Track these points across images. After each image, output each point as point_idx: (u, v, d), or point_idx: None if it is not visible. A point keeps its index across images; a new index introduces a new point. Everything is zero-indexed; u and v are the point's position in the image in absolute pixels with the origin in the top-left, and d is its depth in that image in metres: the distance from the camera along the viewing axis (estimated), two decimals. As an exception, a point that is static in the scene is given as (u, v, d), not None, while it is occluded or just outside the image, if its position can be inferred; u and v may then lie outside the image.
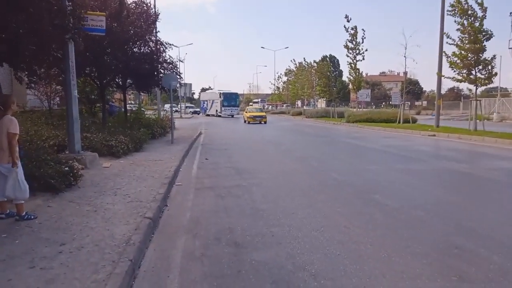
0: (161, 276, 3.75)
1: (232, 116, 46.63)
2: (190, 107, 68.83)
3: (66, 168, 6.78)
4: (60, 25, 7.00)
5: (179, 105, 52.59)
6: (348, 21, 30.17)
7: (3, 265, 3.71)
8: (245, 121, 34.63)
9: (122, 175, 8.08)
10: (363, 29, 30.53)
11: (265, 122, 33.19)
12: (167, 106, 69.42)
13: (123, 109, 17.94)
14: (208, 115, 51.67)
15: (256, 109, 38.55)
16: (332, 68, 45.63)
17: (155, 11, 15.93)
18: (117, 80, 16.05)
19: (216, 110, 48.75)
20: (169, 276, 3.73)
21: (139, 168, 8.99)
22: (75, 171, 7.03)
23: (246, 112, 36.06)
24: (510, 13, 57.79)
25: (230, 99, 48.04)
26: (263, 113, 36.23)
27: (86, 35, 9.26)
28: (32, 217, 5.06)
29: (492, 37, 17.90)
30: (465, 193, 7.26)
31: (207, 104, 54.30)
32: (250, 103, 69.43)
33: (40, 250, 4.06)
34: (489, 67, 18.04)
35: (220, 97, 47.73)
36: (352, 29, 30.37)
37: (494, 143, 15.02)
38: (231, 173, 9.06)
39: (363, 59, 31.09)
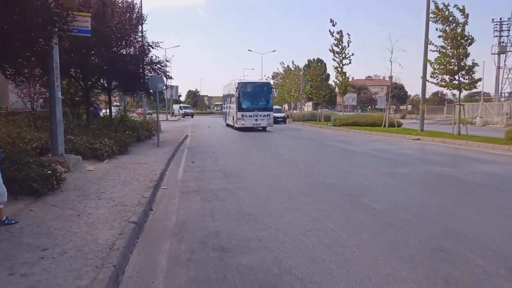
0: (146, 281, 3.68)
1: (264, 128, 26.45)
2: (186, 107, 66.96)
3: (49, 171, 6.63)
4: (46, 20, 6.86)
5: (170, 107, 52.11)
6: (333, 25, 30.36)
7: (-19, 271, 3.60)
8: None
9: (107, 179, 7.95)
10: (348, 34, 30.78)
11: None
12: (176, 107, 68.98)
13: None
14: (228, 125, 31.16)
15: None
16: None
17: (141, 12, 15.80)
18: (102, 81, 15.85)
19: (233, 118, 27.57)
20: (154, 282, 3.67)
21: (124, 172, 8.86)
22: (58, 174, 6.88)
23: None
24: (493, 19, 58.99)
25: (254, 96, 26.13)
26: None
27: (70, 36, 9.13)
28: (13, 221, 4.93)
29: (473, 42, 18.23)
30: (450, 196, 7.35)
31: (227, 105, 32.78)
32: None
33: (20, 255, 3.95)
34: (472, 73, 18.36)
35: (236, 91, 25.74)
36: (337, 33, 30.58)
37: (477, 147, 15.27)
38: (218, 176, 9.01)
39: (350, 63, 31.33)
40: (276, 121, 33.38)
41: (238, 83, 26.15)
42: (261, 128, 26.42)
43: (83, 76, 14.09)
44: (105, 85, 16.37)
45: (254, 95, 26.16)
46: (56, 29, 7.46)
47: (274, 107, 34.29)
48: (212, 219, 5.61)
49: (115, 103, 40.06)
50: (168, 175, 9.32)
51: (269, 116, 25.97)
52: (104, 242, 4.36)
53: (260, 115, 25.69)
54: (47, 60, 8.44)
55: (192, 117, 59.59)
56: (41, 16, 6.60)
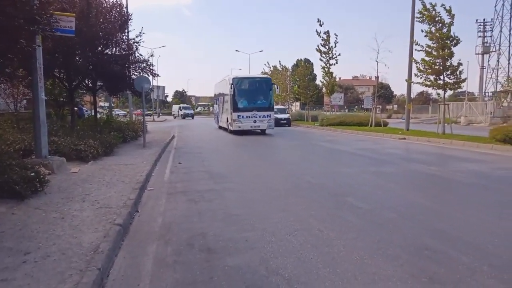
0: (131, 284, 3.64)
1: (263, 130, 23.35)
2: (185, 108, 62.49)
3: (32, 174, 6.51)
4: (27, 19, 6.73)
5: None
6: (320, 25, 30.51)
7: (-39, 277, 3.51)
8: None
9: (91, 181, 7.85)
10: (335, 34, 30.94)
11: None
12: (175, 107, 65.13)
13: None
14: (221, 127, 27.82)
15: None
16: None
17: (127, 11, 15.63)
18: (86, 82, 15.64)
19: (227, 119, 24.14)
20: (139, 285, 3.62)
21: (109, 173, 8.76)
22: (42, 176, 6.76)
23: None
24: (476, 20, 60.00)
25: (252, 93, 22.84)
26: None
27: (54, 36, 8.99)
28: (-6, 225, 4.83)
29: (459, 43, 18.50)
30: (435, 195, 7.43)
31: (219, 105, 28.90)
32: None
33: (1, 260, 3.86)
34: (457, 73, 18.64)
35: (230, 89, 22.25)
36: (324, 33, 30.73)
37: (461, 146, 15.50)
38: (205, 177, 8.97)
39: (336, 63, 31.52)
40: (279, 123, 30.25)
41: (233, 78, 22.59)
42: (259, 131, 23.40)
43: (67, 77, 13.89)
44: (90, 85, 16.16)
45: (251, 93, 22.80)
46: (39, 29, 7.33)
47: (276, 106, 31.46)
48: (199, 220, 5.58)
49: (101, 104, 39.66)
50: (155, 177, 9.24)
51: (270, 117, 22.67)
52: (88, 245, 4.29)
53: (259, 116, 22.30)
54: (30, 60, 8.29)
55: (193, 118, 56.51)
56: (22, 15, 6.48)
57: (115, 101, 43.62)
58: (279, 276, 3.72)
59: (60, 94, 16.96)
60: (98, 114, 18.05)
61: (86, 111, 21.39)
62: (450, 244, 4.53)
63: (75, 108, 16.41)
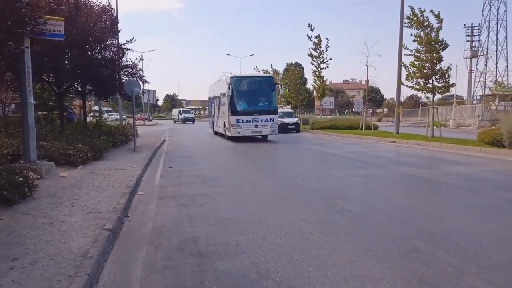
0: (121, 290, 3.61)
1: (264, 137, 21.21)
2: (185, 112, 58.24)
3: (20, 179, 6.43)
4: (15, 22, 6.68)
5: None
6: (311, 29, 30.67)
7: None
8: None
9: (80, 185, 7.77)
10: (327, 38, 31.09)
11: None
12: (175, 111, 60.55)
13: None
14: (217, 133, 25.23)
15: None
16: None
17: (116, 15, 15.57)
18: (76, 86, 15.53)
19: (224, 124, 21.83)
20: (129, 290, 3.60)
21: (98, 178, 8.68)
22: (30, 181, 6.68)
23: None
24: (464, 25, 60.82)
25: (253, 95, 20.48)
26: None
27: (43, 39, 8.93)
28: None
29: (447, 47, 18.75)
30: (424, 197, 7.50)
31: (215, 109, 26.15)
32: None
33: (-12, 266, 3.81)
34: (446, 76, 18.87)
35: (228, 89, 19.89)
36: (315, 37, 30.89)
37: (450, 149, 15.67)
38: (195, 181, 8.94)
39: (327, 67, 31.67)
40: (286, 128, 27.16)
41: (231, 78, 20.11)
42: (260, 137, 21.14)
43: (56, 81, 13.79)
44: (79, 89, 16.05)
45: (252, 94, 20.37)
46: (27, 32, 7.27)
47: (282, 109, 29.49)
48: (190, 225, 5.56)
49: (96, 107, 39.27)
50: (145, 181, 9.19)
51: (273, 121, 20.14)
52: (77, 250, 4.25)
53: (262, 120, 19.76)
54: (18, 64, 8.22)
55: (193, 122, 53.04)
56: (10, 18, 6.43)
57: (105, 105, 42.92)
58: (270, 280, 3.72)
59: (49, 98, 16.82)
60: (93, 118, 17.94)
61: (78, 115, 21.14)
62: (439, 246, 4.57)
63: (65, 112, 16.26)
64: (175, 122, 57.31)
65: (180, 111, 59.75)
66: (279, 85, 20.80)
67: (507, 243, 4.66)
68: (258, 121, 19.71)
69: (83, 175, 9.01)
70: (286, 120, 28.17)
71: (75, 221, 5.35)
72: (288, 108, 37.78)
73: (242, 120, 19.67)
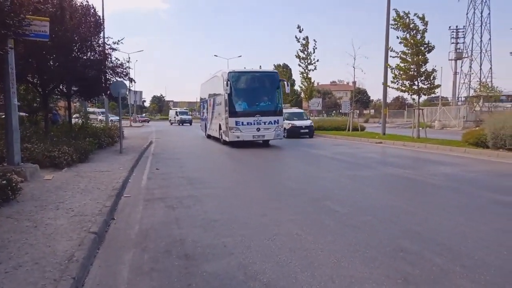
0: (106, 293, 3.57)
1: (266, 142, 18.78)
2: (182, 113, 54.98)
3: (4, 181, 6.31)
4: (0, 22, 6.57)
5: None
6: (300, 31, 30.82)
7: None
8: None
9: (66, 188, 7.67)
10: (314, 40, 31.26)
11: None
12: (172, 112, 56.95)
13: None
14: (210, 136, 22.78)
15: None
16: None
17: (102, 15, 15.42)
18: (61, 87, 15.32)
19: (219, 126, 19.35)
20: (115, 293, 3.56)
21: (84, 180, 8.58)
22: (14, 184, 6.57)
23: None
24: (449, 27, 61.79)
25: (254, 93, 17.99)
26: None
27: (28, 40, 8.79)
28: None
29: (433, 49, 19.03)
30: (410, 198, 7.58)
31: (208, 109, 23.40)
32: None
33: (-30, 271, 3.73)
34: (431, 78, 19.15)
35: (226, 87, 17.15)
36: (303, 39, 31.04)
37: (435, 150, 15.89)
38: (183, 183, 8.89)
39: (315, 69, 31.85)
40: (298, 132, 23.15)
41: (229, 73, 17.41)
42: (261, 142, 18.65)
43: (41, 82, 13.59)
44: (65, 91, 15.84)
45: (254, 92, 17.84)
46: (11, 33, 7.16)
47: (292, 109, 26.59)
48: (177, 227, 5.53)
49: (89, 109, 38.62)
50: (132, 183, 9.11)
51: (277, 123, 17.65)
52: (62, 253, 4.19)
53: (265, 123, 17.29)
54: (1, 65, 8.08)
55: (191, 124, 49.51)
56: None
57: (91, 106, 42.19)
58: (258, 281, 3.72)
59: (34, 99, 16.57)
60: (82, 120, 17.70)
61: (63, 117, 20.83)
62: (425, 245, 4.63)
63: (49, 114, 16.04)
64: (171, 123, 54.49)
65: (177, 112, 56.26)
66: (285, 82, 18.64)
67: (491, 243, 4.74)
68: (260, 124, 17.25)
69: (68, 177, 8.89)
70: (298, 123, 23.75)
71: (60, 224, 5.27)
72: (296, 108, 33.19)
73: (242, 123, 17.12)
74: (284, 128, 21.32)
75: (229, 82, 16.95)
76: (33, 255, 4.16)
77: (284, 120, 20.58)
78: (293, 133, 22.57)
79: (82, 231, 4.93)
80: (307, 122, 24.45)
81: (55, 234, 4.86)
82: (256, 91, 17.87)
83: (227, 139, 17.66)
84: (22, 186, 7.07)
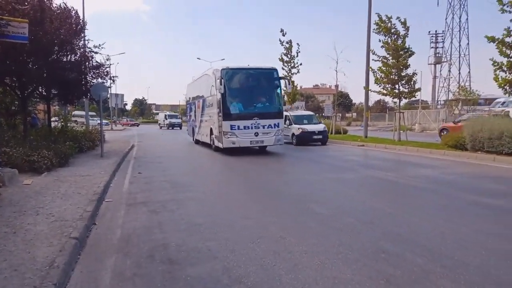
0: (88, 299, 3.51)
1: (263, 148, 16.88)
2: (171, 116, 52.99)
3: (-20, 187, 6.17)
4: None
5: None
6: (283, 35, 30.93)
7: None
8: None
9: (45, 193, 7.51)
10: (298, 43, 31.40)
11: None
12: (161, 115, 55.38)
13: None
14: (199, 142, 21.00)
15: None
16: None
17: (83, 17, 15.22)
18: (40, 90, 15.03)
19: (211, 130, 17.20)
20: (97, 299, 3.50)
21: (64, 185, 8.42)
22: (-9, 189, 6.42)
23: None
24: (429, 32, 62.98)
25: (250, 92, 15.89)
26: None
27: (5, 42, 8.61)
28: None
29: (413, 54, 19.39)
30: (391, 200, 7.69)
31: (196, 111, 21.07)
32: None
33: None
34: (412, 82, 19.51)
35: (219, 86, 14.83)
36: (287, 42, 31.16)
37: (416, 152, 16.17)
38: (166, 187, 8.82)
39: (298, 72, 31.93)
40: (311, 139, 20.16)
41: (223, 70, 15.28)
42: (257, 148, 16.84)
43: (19, 85, 13.32)
44: (44, 93, 15.53)
45: (250, 92, 15.90)
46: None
47: (299, 111, 23.90)
48: (160, 231, 5.47)
49: (77, 112, 37.89)
50: (113, 187, 8.99)
51: (278, 126, 15.71)
52: (43, 260, 4.10)
53: (263, 126, 15.35)
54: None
55: (181, 128, 47.48)
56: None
57: (71, 109, 41.21)
58: (242, 284, 3.71)
59: (12, 102, 16.16)
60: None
61: (42, 120, 20.35)
62: (406, 247, 4.70)
63: (28, 118, 15.69)
64: (160, 127, 52.74)
65: (166, 115, 53.98)
66: (286, 80, 16.88)
67: (470, 243, 4.84)
68: (259, 127, 15.27)
69: (48, 182, 8.71)
70: (309, 128, 20.44)
71: (40, 229, 5.16)
72: (302, 109, 29.25)
73: (238, 126, 15.11)
74: (293, 134, 20.08)
75: (222, 80, 14.81)
76: (12, 261, 4.06)
77: (292, 124, 20.05)
78: (304, 139, 19.87)
79: (63, 237, 4.84)
80: (320, 127, 21.07)
81: (35, 240, 4.76)
82: (253, 91, 15.99)
83: (220, 145, 15.68)
84: (0, 191, 6.90)
